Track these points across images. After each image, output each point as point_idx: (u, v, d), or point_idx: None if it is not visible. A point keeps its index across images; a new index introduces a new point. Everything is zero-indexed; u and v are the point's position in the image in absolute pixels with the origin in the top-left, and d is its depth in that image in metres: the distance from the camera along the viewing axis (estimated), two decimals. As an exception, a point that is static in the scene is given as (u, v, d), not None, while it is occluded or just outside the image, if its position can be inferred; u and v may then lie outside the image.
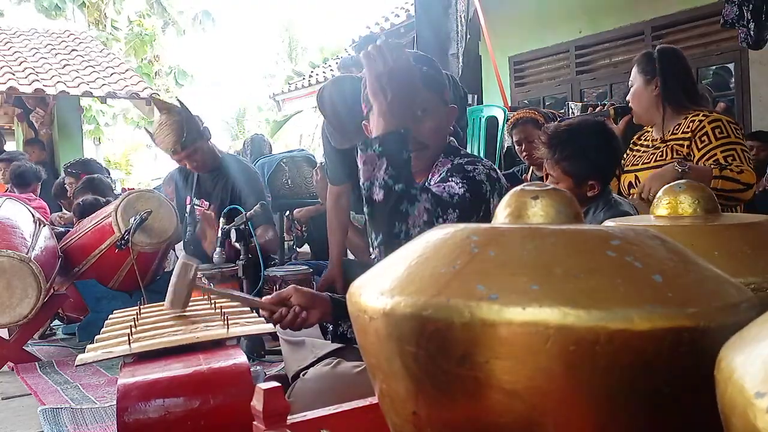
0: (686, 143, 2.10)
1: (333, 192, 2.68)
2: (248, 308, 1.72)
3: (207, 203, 3.06)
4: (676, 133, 2.16)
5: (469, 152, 1.66)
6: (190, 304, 1.79)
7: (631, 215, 1.72)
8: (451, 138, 1.62)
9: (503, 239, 0.60)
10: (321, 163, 3.17)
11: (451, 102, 1.58)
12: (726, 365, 0.43)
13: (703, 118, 2.11)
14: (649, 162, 2.19)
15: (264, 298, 1.58)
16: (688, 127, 2.13)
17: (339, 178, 2.64)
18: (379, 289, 0.61)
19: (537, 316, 0.52)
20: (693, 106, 2.19)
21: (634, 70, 2.26)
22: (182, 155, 2.89)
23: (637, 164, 2.25)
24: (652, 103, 2.21)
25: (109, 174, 5.17)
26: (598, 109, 2.69)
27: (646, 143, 2.30)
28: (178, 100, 3.09)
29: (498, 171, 1.53)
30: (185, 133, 2.83)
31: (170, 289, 1.54)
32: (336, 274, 2.64)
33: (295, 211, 4.37)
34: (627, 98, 2.35)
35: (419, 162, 1.51)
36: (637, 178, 2.22)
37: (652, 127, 2.31)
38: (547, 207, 0.66)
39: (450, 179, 1.44)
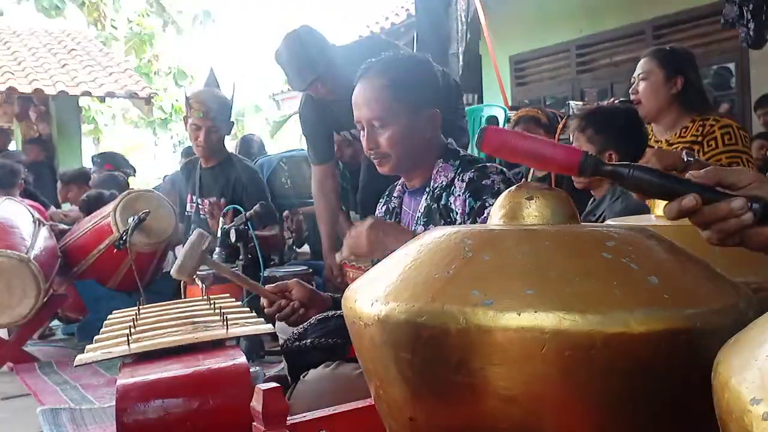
0: (697, 147, 2.08)
1: (317, 174, 2.61)
2: (248, 308, 1.71)
3: (208, 201, 3.06)
4: (684, 136, 2.13)
5: (468, 153, 1.63)
6: (190, 304, 1.79)
7: (645, 207, 1.73)
8: (450, 140, 1.60)
9: (497, 242, 0.60)
10: None
11: (435, 102, 1.53)
12: (723, 371, 0.43)
13: (714, 122, 2.09)
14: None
15: (267, 286, 1.59)
16: (697, 130, 2.11)
17: (322, 156, 2.60)
18: (373, 296, 0.60)
19: (532, 321, 0.52)
20: (705, 110, 2.17)
21: (650, 63, 2.18)
22: (207, 122, 2.90)
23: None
24: (667, 100, 2.15)
25: (135, 171, 5.18)
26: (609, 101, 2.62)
27: (649, 143, 2.27)
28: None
29: (505, 169, 1.53)
30: (224, 107, 2.95)
31: (180, 256, 1.53)
32: (333, 265, 2.52)
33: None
34: (631, 91, 2.28)
35: (394, 168, 1.51)
36: None
37: (650, 125, 2.28)
38: (542, 207, 0.66)
39: (484, 198, 1.44)
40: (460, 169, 1.51)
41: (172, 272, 1.56)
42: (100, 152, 4.76)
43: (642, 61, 2.23)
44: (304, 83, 2.35)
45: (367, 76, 1.50)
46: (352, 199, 2.94)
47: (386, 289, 0.60)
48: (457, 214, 1.48)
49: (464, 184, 1.48)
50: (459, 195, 1.48)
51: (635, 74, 2.23)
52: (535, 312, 0.52)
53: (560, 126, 2.95)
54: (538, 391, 0.53)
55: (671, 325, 0.53)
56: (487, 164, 1.52)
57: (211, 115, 2.89)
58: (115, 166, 4.42)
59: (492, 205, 1.39)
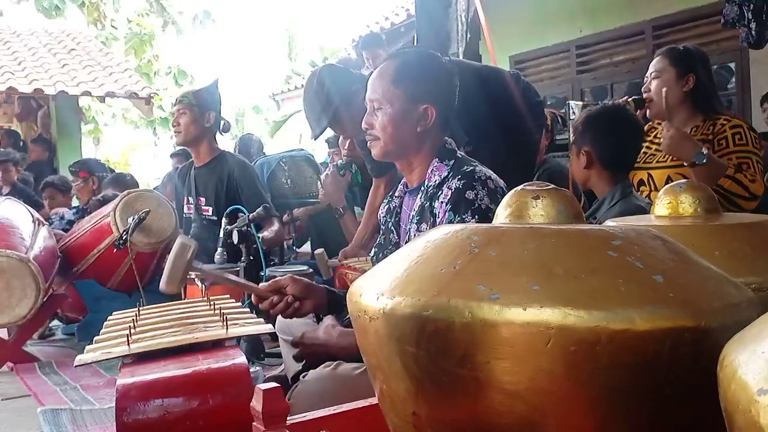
0: (707, 146, 2.08)
1: (375, 184, 2.91)
2: (248, 309, 1.71)
3: (203, 199, 3.06)
4: (695, 135, 2.13)
5: (464, 155, 1.60)
6: (190, 305, 1.79)
7: (647, 212, 1.73)
8: (448, 139, 1.60)
9: (504, 239, 0.60)
10: (336, 164, 3.23)
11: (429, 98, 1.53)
12: (729, 363, 0.43)
13: (725, 122, 2.10)
14: (665, 161, 2.17)
15: (261, 285, 1.59)
16: (708, 129, 2.11)
17: (380, 172, 2.84)
18: (379, 290, 0.60)
19: (538, 316, 0.52)
20: (716, 110, 2.18)
21: (663, 62, 2.19)
22: (181, 106, 2.96)
23: (650, 162, 2.22)
24: (679, 98, 2.16)
25: (113, 171, 5.20)
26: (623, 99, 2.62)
27: (657, 140, 2.27)
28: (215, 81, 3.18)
29: (492, 176, 1.50)
30: (203, 95, 2.97)
31: (166, 268, 1.49)
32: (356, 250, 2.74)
33: (294, 210, 4.37)
34: (643, 89, 2.28)
35: (383, 155, 1.55)
36: (650, 176, 2.20)
37: (660, 124, 2.28)
38: (547, 207, 0.66)
39: (463, 216, 1.43)
40: (452, 172, 1.51)
41: (160, 286, 1.52)
42: (75, 161, 4.84)
43: (655, 60, 2.24)
44: (313, 135, 2.48)
45: (384, 61, 1.57)
46: (361, 196, 2.98)
47: (392, 283, 0.60)
48: (438, 219, 1.48)
49: (450, 192, 1.47)
50: (443, 202, 1.48)
51: (648, 73, 2.24)
52: (541, 307, 0.52)
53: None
54: (543, 385, 0.53)
55: (675, 323, 0.53)
56: (476, 169, 1.50)
57: (186, 100, 2.94)
58: (90, 173, 4.40)
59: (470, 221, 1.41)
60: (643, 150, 2.26)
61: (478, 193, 1.45)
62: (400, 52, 1.61)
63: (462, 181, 1.47)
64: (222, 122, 3.07)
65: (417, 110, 1.51)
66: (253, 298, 1.59)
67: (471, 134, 2.02)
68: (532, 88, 2.58)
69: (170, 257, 1.50)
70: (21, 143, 7.61)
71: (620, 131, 1.97)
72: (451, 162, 1.53)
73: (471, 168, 1.50)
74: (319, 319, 1.69)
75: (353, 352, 1.43)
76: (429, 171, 1.54)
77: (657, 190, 2.14)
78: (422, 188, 1.54)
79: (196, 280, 2.14)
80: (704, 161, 1.91)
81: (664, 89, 2.11)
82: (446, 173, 1.51)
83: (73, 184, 4.43)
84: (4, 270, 2.40)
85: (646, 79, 2.26)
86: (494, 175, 1.52)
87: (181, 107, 2.95)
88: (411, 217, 1.56)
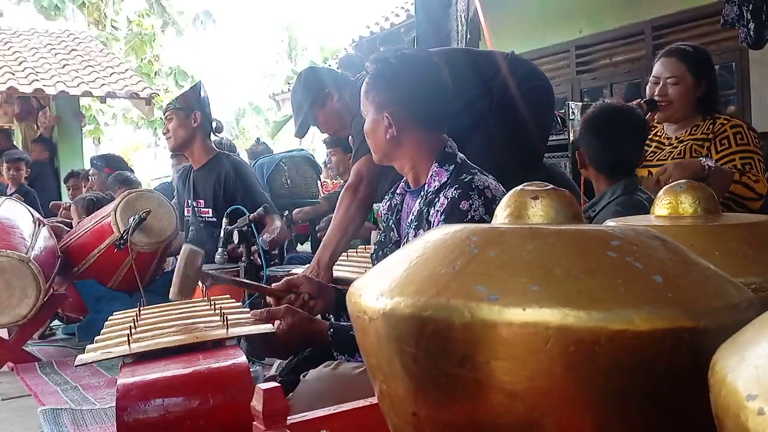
0: (706, 144, 2.10)
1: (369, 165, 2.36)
2: (248, 309, 1.72)
3: (202, 201, 3.07)
4: (695, 134, 2.15)
5: (465, 160, 1.58)
6: (190, 305, 1.79)
7: (648, 208, 1.73)
8: (448, 141, 1.58)
9: (503, 239, 0.60)
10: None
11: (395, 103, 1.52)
12: (720, 368, 0.43)
13: (725, 122, 2.12)
14: (666, 159, 2.18)
15: (273, 285, 1.59)
16: (708, 129, 2.13)
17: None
18: (378, 290, 0.60)
19: (537, 316, 0.52)
20: (717, 110, 2.20)
21: (680, 68, 2.17)
22: (168, 112, 3.03)
23: (651, 160, 2.23)
24: (692, 102, 2.18)
25: (133, 172, 5.23)
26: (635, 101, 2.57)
27: (660, 140, 2.27)
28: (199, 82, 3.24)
29: (491, 185, 1.48)
30: (188, 98, 3.05)
31: (177, 277, 1.49)
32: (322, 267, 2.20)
33: (294, 212, 4.37)
34: (658, 93, 2.25)
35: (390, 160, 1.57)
36: (650, 174, 2.21)
37: (661, 124, 2.29)
38: (546, 207, 0.66)
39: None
40: (450, 180, 1.49)
41: (171, 295, 1.52)
42: (100, 154, 4.85)
43: (668, 63, 2.19)
44: (295, 133, 2.54)
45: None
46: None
47: (392, 283, 0.60)
48: (432, 227, 1.47)
49: (446, 201, 1.46)
50: (438, 211, 1.47)
51: (662, 76, 2.20)
52: (540, 308, 0.52)
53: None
54: (542, 386, 0.53)
55: (675, 323, 0.53)
56: (475, 178, 1.48)
57: (171, 106, 3.01)
58: (115, 170, 4.45)
59: None
60: None
61: (473, 203, 1.43)
62: (376, 59, 1.57)
63: (458, 191, 1.45)
64: (214, 122, 3.10)
65: (382, 119, 1.52)
66: (268, 300, 1.58)
67: (463, 122, 1.93)
68: (523, 67, 2.33)
69: (179, 267, 1.49)
70: (13, 143, 7.61)
71: (614, 134, 1.93)
72: (451, 167, 1.52)
73: (469, 177, 1.48)
74: (325, 319, 1.69)
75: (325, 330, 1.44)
76: (429, 176, 1.53)
77: None
78: (422, 193, 1.54)
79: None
80: (714, 164, 1.91)
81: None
82: (446, 179, 1.50)
83: (92, 177, 4.47)
84: (4, 270, 2.41)
85: (653, 79, 2.24)
86: (494, 183, 1.49)
87: (168, 113, 3.01)
88: (410, 220, 1.56)
